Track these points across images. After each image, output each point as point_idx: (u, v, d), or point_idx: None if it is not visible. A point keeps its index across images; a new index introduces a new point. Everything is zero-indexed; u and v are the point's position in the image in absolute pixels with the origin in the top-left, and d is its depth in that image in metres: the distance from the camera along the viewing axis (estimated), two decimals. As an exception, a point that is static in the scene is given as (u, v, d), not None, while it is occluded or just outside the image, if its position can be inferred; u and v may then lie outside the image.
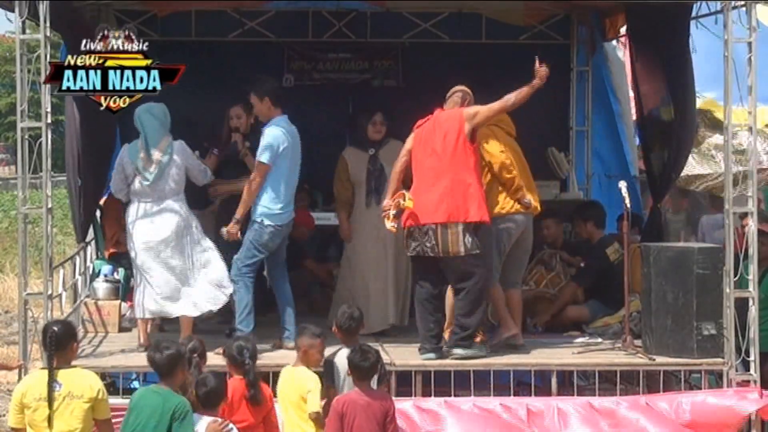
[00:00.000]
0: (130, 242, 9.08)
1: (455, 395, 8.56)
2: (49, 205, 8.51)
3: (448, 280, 8.82)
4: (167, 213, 8.96)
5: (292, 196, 9.17)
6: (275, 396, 7.62)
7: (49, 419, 6.66)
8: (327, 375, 7.63)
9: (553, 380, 8.70)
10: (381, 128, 9.87)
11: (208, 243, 9.11)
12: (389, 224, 8.77)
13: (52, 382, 6.69)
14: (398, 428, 7.41)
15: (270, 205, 9.03)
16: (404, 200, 8.65)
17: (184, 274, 8.98)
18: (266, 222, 9.02)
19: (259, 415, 7.39)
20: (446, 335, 9.01)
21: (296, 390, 7.48)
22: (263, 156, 8.97)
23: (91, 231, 10.97)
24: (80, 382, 6.75)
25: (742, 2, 8.76)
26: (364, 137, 9.89)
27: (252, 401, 7.32)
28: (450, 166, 8.64)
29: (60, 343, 6.76)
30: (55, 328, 6.83)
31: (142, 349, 8.87)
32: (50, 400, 6.67)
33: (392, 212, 8.73)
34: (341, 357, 7.59)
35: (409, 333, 9.42)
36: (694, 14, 9.62)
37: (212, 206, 10.02)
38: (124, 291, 10.27)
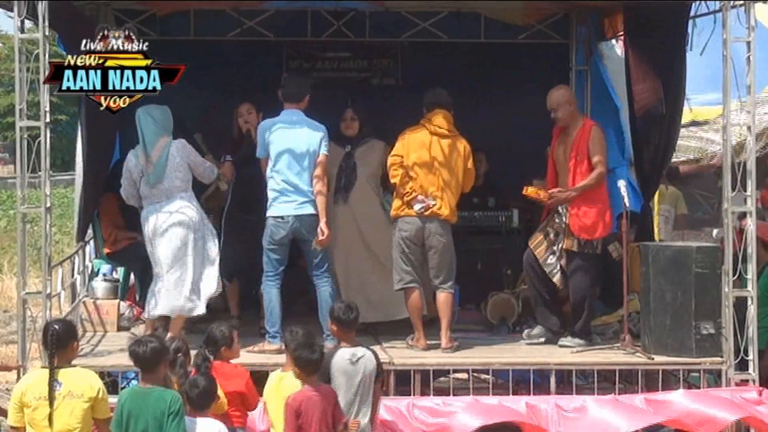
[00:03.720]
0: (149, 245, 8.97)
1: (454, 394, 8.58)
2: (48, 205, 8.51)
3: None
4: (178, 212, 8.88)
5: (296, 188, 8.99)
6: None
7: (50, 418, 6.67)
8: (321, 372, 7.26)
9: (552, 379, 8.71)
10: (351, 124, 9.89)
11: (214, 236, 9.07)
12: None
13: (52, 381, 6.69)
14: (341, 412, 7.19)
15: (270, 197, 9.01)
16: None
17: (199, 269, 8.93)
18: (267, 215, 9.01)
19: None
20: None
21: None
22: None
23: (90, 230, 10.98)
24: (80, 382, 6.76)
25: (741, 2, 8.77)
26: (339, 133, 9.91)
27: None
28: None
29: (61, 342, 6.76)
30: (57, 327, 6.83)
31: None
32: (51, 399, 6.68)
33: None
34: (339, 357, 7.38)
35: (404, 331, 9.40)
36: (692, 14, 9.62)
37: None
38: (122, 290, 10.27)
